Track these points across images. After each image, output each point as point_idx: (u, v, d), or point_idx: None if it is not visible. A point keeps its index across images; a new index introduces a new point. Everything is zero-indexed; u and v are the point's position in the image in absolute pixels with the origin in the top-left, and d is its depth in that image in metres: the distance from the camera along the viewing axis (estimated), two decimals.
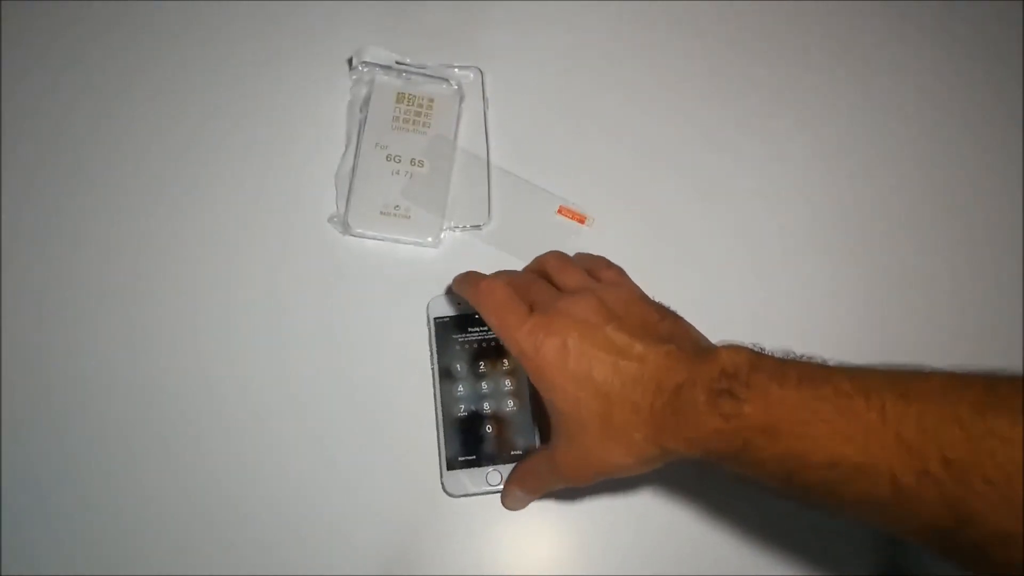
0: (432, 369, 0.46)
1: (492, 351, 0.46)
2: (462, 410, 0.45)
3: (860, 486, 0.30)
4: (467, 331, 0.47)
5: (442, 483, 0.44)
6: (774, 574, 0.44)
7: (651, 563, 0.44)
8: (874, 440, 0.29)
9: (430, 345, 0.47)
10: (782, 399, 0.31)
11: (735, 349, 0.34)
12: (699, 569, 0.44)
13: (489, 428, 0.45)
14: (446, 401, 0.45)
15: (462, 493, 0.44)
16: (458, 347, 0.46)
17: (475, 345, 0.46)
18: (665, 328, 0.37)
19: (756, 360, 0.34)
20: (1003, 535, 0.27)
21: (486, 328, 0.46)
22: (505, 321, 0.37)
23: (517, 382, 0.46)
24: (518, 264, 0.49)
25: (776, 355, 0.34)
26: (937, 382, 0.30)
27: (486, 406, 0.45)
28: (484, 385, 0.46)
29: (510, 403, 0.45)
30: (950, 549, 0.29)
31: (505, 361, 0.46)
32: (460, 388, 0.46)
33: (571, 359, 0.35)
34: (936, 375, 0.31)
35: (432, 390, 0.46)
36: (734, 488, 0.45)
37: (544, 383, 0.36)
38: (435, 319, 0.47)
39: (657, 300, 0.39)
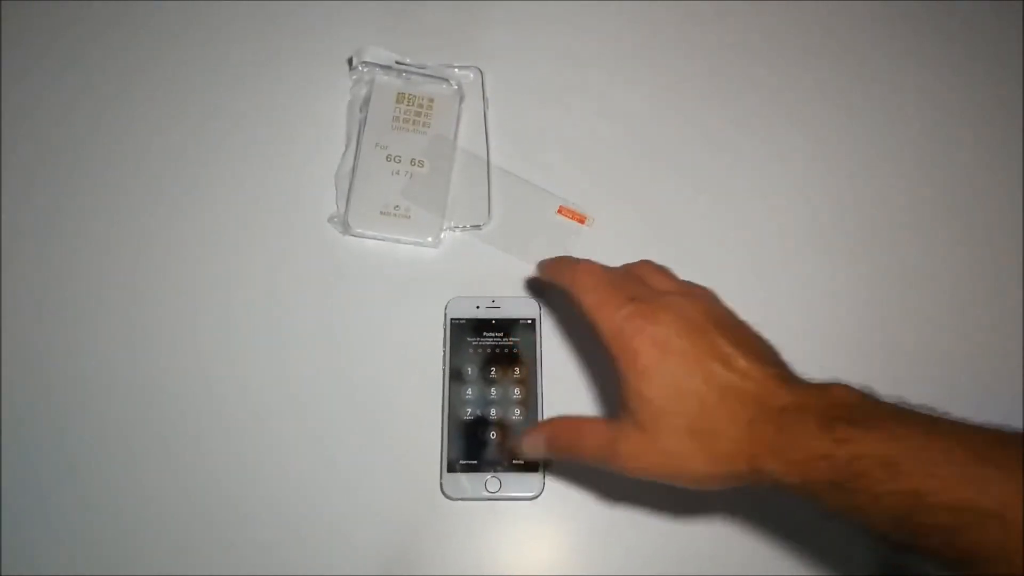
0: (443, 369, 0.46)
1: (505, 358, 0.46)
2: (468, 413, 0.45)
3: (989, 534, 0.28)
4: (482, 335, 0.47)
5: (441, 484, 0.44)
6: (774, 574, 0.44)
7: (651, 564, 0.44)
8: (1010, 488, 0.28)
9: (444, 345, 0.47)
10: (905, 435, 0.30)
11: (847, 386, 0.33)
12: (699, 569, 0.44)
13: (493, 434, 0.45)
14: (453, 402, 0.45)
15: (460, 496, 0.44)
16: (471, 350, 0.46)
17: (488, 350, 0.46)
18: (770, 354, 0.36)
19: (872, 399, 0.33)
20: None
21: (501, 334, 0.47)
22: (604, 301, 0.36)
23: (526, 391, 0.46)
24: (517, 262, 0.49)
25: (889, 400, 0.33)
26: None
27: (493, 412, 0.45)
28: (493, 391, 0.46)
29: (517, 411, 0.45)
30: None
31: (516, 369, 0.46)
32: (469, 391, 0.45)
33: (673, 352, 0.34)
34: None
35: (440, 390, 0.46)
36: (734, 489, 0.45)
37: (635, 368, 0.35)
38: (452, 320, 0.47)
39: None
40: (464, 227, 0.50)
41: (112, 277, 0.48)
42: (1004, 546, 0.28)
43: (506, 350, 0.46)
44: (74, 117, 0.52)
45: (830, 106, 0.55)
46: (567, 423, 0.39)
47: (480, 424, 0.45)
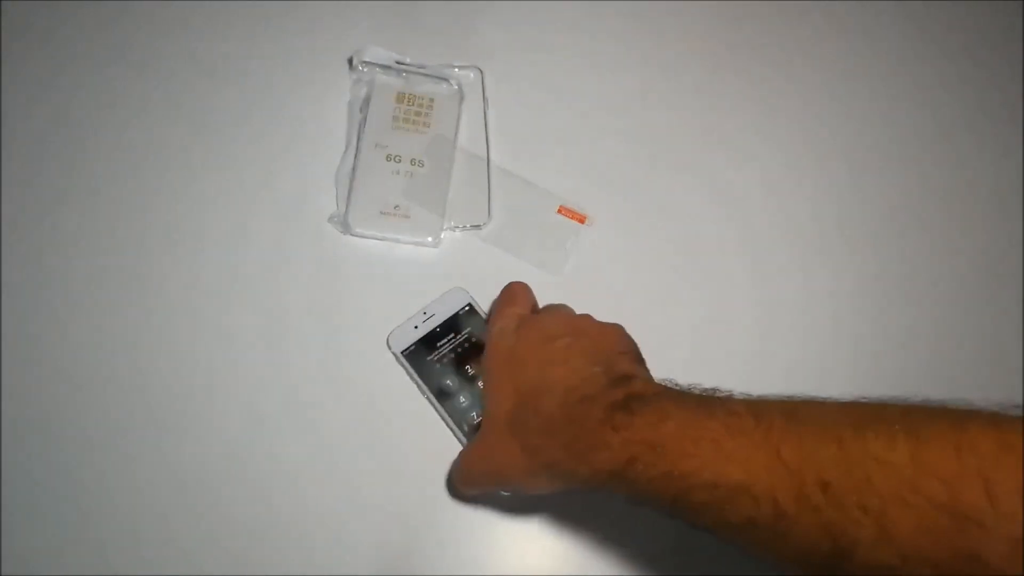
0: (427, 399, 0.45)
1: (470, 352, 0.46)
2: (475, 417, 0.44)
3: (742, 508, 0.28)
4: (437, 347, 0.46)
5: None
6: (774, 574, 0.44)
7: (650, 564, 0.44)
8: (757, 460, 0.28)
9: (411, 378, 0.46)
10: (674, 415, 0.30)
11: (650, 380, 0.35)
12: (697, 569, 0.44)
13: None
14: (456, 418, 0.45)
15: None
16: (438, 365, 0.46)
17: (452, 355, 0.46)
18: (616, 361, 0.35)
19: (664, 387, 0.34)
20: (882, 569, 0.24)
21: (452, 335, 0.46)
22: (499, 310, 0.42)
23: None
24: (517, 261, 0.49)
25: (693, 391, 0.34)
26: (831, 406, 0.29)
27: None
28: (481, 384, 0.45)
29: None
30: None
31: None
32: (462, 399, 0.45)
33: (512, 360, 0.38)
34: (833, 400, 0.29)
35: (438, 416, 0.45)
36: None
37: (484, 365, 0.40)
38: (402, 352, 0.46)
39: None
40: (464, 227, 0.50)
41: (111, 276, 0.48)
42: (755, 520, 0.27)
43: (466, 344, 0.46)
44: (73, 117, 0.52)
45: (831, 105, 0.55)
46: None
47: None
